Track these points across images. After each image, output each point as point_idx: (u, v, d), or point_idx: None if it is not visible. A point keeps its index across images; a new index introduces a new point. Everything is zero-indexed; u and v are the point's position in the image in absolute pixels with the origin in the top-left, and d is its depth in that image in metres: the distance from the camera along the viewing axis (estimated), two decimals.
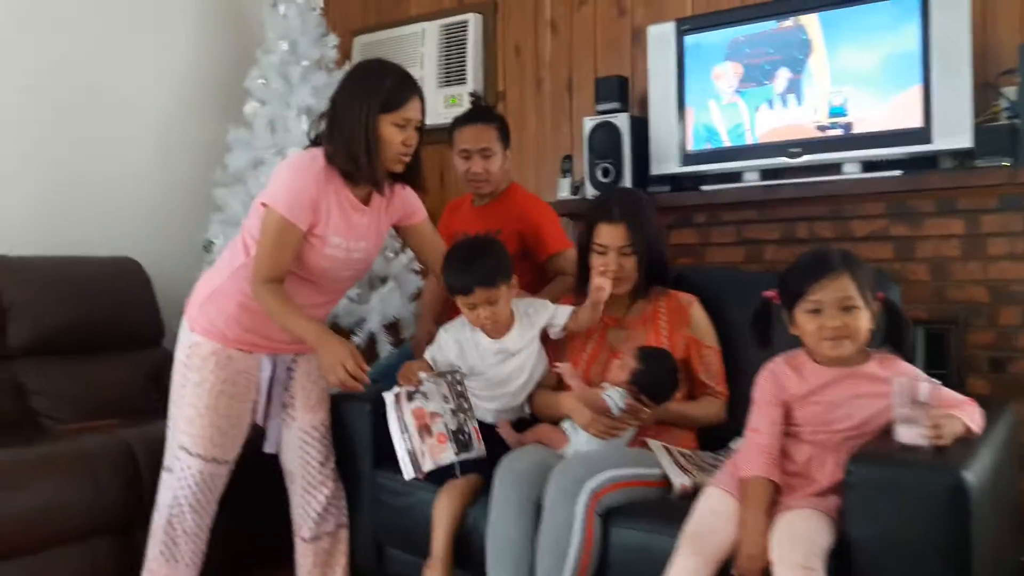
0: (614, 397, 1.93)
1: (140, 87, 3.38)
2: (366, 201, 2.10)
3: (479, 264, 2.06)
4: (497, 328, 2.11)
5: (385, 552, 2.27)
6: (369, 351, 3.24)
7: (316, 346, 1.93)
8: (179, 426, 2.09)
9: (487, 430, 2.11)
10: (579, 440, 2.00)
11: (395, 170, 2.08)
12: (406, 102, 2.01)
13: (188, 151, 3.19)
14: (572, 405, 2.01)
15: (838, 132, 2.58)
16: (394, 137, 2.01)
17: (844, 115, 2.57)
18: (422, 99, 2.07)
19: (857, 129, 2.56)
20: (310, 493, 2.20)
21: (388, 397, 2.05)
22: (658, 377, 1.97)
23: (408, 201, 2.23)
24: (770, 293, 1.79)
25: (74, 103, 3.15)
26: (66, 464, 2.19)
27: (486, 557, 1.88)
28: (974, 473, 1.43)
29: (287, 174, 2.01)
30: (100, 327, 2.67)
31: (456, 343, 2.16)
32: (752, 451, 1.67)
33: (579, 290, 2.20)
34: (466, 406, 2.05)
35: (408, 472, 1.99)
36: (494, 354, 2.13)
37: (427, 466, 1.98)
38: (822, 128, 2.61)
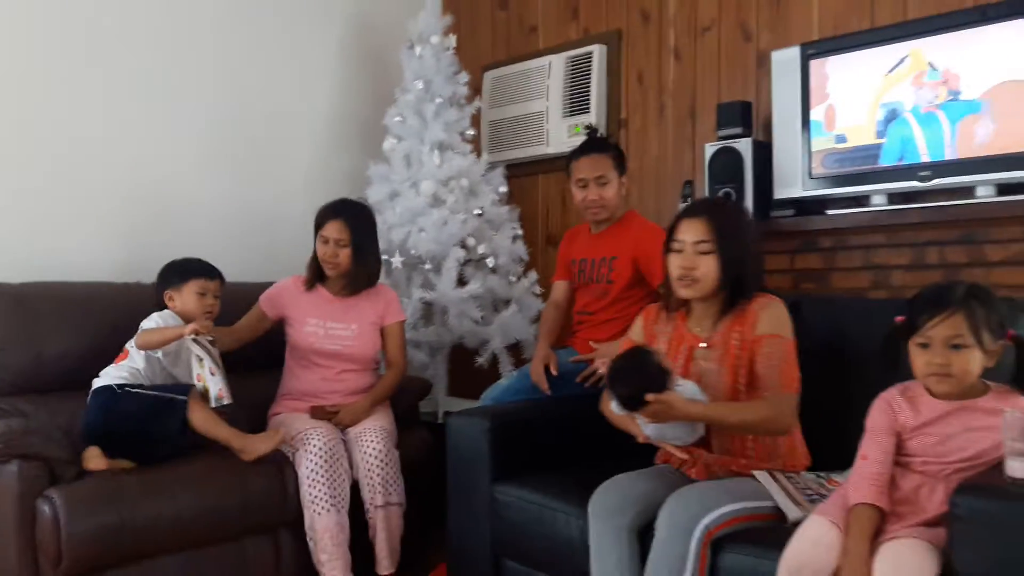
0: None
1: (292, 127, 3.67)
2: (339, 295, 2.81)
3: None
4: None
5: (502, 564, 2.37)
6: (492, 371, 3.40)
7: None
8: None
9: None
10: (647, 429, 1.99)
11: (328, 273, 2.77)
12: (323, 225, 2.74)
13: (333, 183, 3.46)
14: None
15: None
16: (319, 250, 2.75)
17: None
18: (340, 219, 2.72)
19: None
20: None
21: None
22: (628, 370, 1.92)
23: (388, 307, 2.87)
24: (901, 318, 1.74)
25: (240, 144, 3.48)
26: (221, 473, 2.43)
27: None
28: None
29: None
30: (262, 344, 2.90)
31: None
32: (862, 479, 1.66)
33: (665, 297, 2.14)
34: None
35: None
36: None
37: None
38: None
